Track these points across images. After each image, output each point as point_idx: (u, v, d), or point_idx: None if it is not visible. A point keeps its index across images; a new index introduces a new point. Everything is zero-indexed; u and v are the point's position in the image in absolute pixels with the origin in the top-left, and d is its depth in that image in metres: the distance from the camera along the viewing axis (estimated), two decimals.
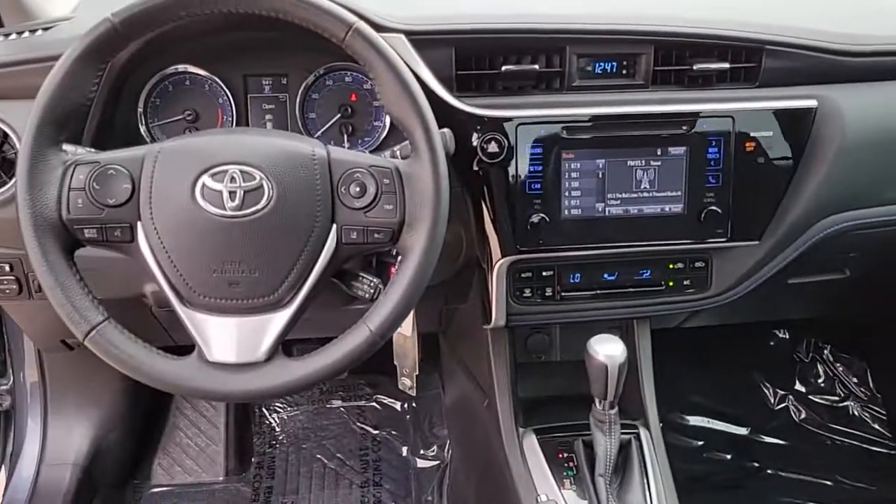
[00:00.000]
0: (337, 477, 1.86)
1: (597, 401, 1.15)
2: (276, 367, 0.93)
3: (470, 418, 1.56)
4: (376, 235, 0.94)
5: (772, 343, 2.07)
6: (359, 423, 1.99)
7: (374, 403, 2.03)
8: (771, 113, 1.14)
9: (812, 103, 1.14)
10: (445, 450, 1.87)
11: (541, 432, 1.27)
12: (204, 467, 1.87)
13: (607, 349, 1.10)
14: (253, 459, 1.92)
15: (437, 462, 1.87)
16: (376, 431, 1.97)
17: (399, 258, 0.98)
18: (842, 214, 1.21)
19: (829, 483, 1.81)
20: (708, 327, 1.99)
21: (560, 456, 1.23)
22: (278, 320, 0.93)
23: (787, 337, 2.06)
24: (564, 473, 1.21)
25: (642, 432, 1.27)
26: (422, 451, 1.91)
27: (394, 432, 1.96)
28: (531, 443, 1.25)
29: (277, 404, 2.02)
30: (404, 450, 1.93)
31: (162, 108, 1.17)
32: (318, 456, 1.91)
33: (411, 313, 1.20)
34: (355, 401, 2.03)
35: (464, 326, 1.50)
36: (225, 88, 1.17)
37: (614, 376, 1.10)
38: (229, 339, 0.92)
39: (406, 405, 2.02)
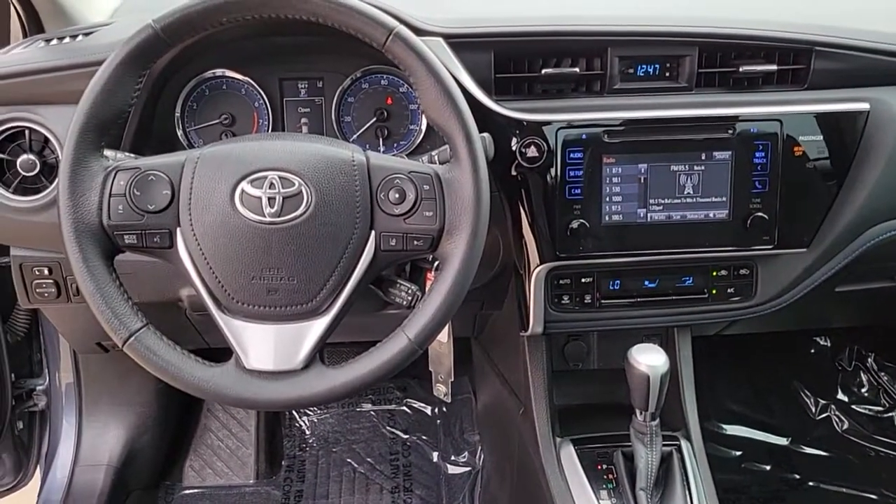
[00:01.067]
0: (367, 482, 1.85)
1: (637, 412, 1.12)
2: (313, 375, 0.92)
3: (504, 425, 1.53)
4: (416, 242, 0.92)
5: (813, 351, 2.02)
6: (389, 427, 1.98)
7: (404, 407, 2.01)
8: (821, 116, 1.10)
9: (864, 106, 1.11)
10: (477, 456, 1.85)
11: (578, 442, 1.24)
12: (234, 470, 1.87)
13: (649, 359, 1.08)
14: (283, 462, 1.92)
15: (469, 468, 1.85)
16: (406, 436, 1.96)
17: (437, 265, 0.96)
18: (893, 221, 1.17)
19: (873, 496, 1.76)
20: (746, 334, 1.95)
21: (599, 468, 1.20)
22: (316, 328, 0.92)
23: (829, 345, 2.01)
24: (604, 486, 1.18)
25: (683, 444, 1.24)
26: (453, 457, 1.89)
27: (424, 437, 1.95)
28: (569, 453, 1.23)
29: (308, 408, 2.02)
30: (435, 455, 1.91)
31: (199, 112, 1.17)
32: (349, 460, 1.90)
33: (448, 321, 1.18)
34: (385, 404, 2.02)
35: (498, 332, 1.48)
36: (261, 92, 1.17)
37: (656, 387, 1.08)
38: (267, 346, 0.91)
39: (437, 409, 2.00)
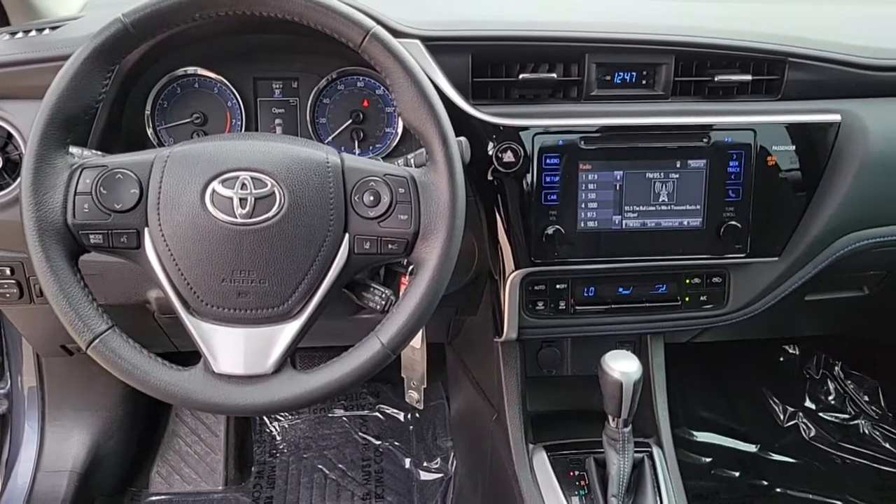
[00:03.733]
0: (338, 488, 1.83)
1: (610, 418, 1.12)
2: (284, 380, 0.90)
3: (477, 431, 1.53)
4: (390, 246, 0.91)
5: (781, 359, 2.04)
6: (361, 433, 1.96)
7: (376, 413, 1.99)
8: (793, 127, 1.11)
9: (835, 118, 1.12)
10: (450, 462, 1.84)
11: (551, 449, 1.24)
12: (203, 476, 1.83)
13: (622, 366, 1.08)
14: (253, 468, 1.89)
15: (441, 475, 1.84)
16: (379, 442, 1.94)
17: (412, 269, 0.95)
18: (864, 231, 1.18)
19: (838, 502, 1.78)
20: (717, 342, 1.97)
21: (571, 475, 1.20)
22: (287, 332, 0.90)
23: (797, 353, 2.04)
24: (576, 493, 1.18)
25: (655, 451, 1.24)
26: (425, 464, 1.88)
27: (396, 443, 1.93)
28: (541, 460, 1.22)
29: (278, 413, 1.99)
30: (407, 461, 1.89)
31: (170, 110, 1.15)
32: (320, 466, 1.88)
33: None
34: (358, 410, 2.00)
35: (473, 338, 1.47)
36: (234, 91, 1.15)
37: (629, 394, 1.08)
38: (237, 350, 0.90)
39: (409, 416, 1.99)
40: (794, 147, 1.12)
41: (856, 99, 1.15)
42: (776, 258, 1.17)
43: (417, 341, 1.19)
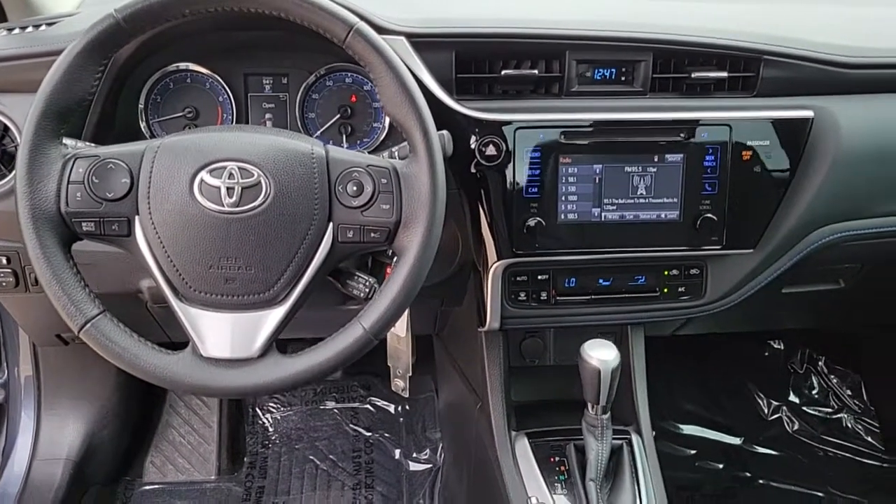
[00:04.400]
0: (329, 478, 1.86)
1: (589, 405, 1.16)
2: (269, 363, 0.93)
3: (463, 421, 1.56)
4: (373, 235, 0.94)
5: (766, 354, 2.07)
6: (352, 425, 1.99)
7: (367, 405, 2.03)
8: (768, 122, 1.14)
9: (808, 114, 1.15)
10: (438, 453, 1.87)
11: (533, 436, 1.27)
12: (196, 466, 1.86)
13: (601, 354, 1.11)
14: (245, 459, 1.92)
15: (430, 465, 1.87)
16: (369, 433, 1.97)
17: (395, 258, 0.98)
18: (837, 225, 1.22)
19: (820, 494, 1.81)
20: (703, 336, 2.00)
21: (552, 460, 1.23)
22: (273, 317, 0.93)
23: (782, 348, 2.07)
24: (556, 478, 1.21)
25: (634, 438, 1.27)
26: (414, 454, 1.91)
27: (387, 434, 1.96)
28: (523, 446, 1.25)
29: (271, 404, 2.02)
30: (397, 452, 1.93)
31: (163, 105, 1.18)
32: (311, 457, 1.91)
33: (406, 314, 1.20)
34: (349, 402, 2.03)
35: (458, 329, 1.50)
36: (225, 87, 1.18)
37: (607, 381, 1.11)
38: (224, 334, 0.93)
39: (399, 408, 2.02)
40: (768, 142, 1.15)
41: (829, 96, 1.18)
42: (751, 250, 1.20)
43: (402, 330, 1.22)
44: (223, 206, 0.90)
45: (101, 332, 0.91)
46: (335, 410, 2.02)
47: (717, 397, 2.01)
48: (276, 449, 1.94)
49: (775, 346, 2.07)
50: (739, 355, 2.07)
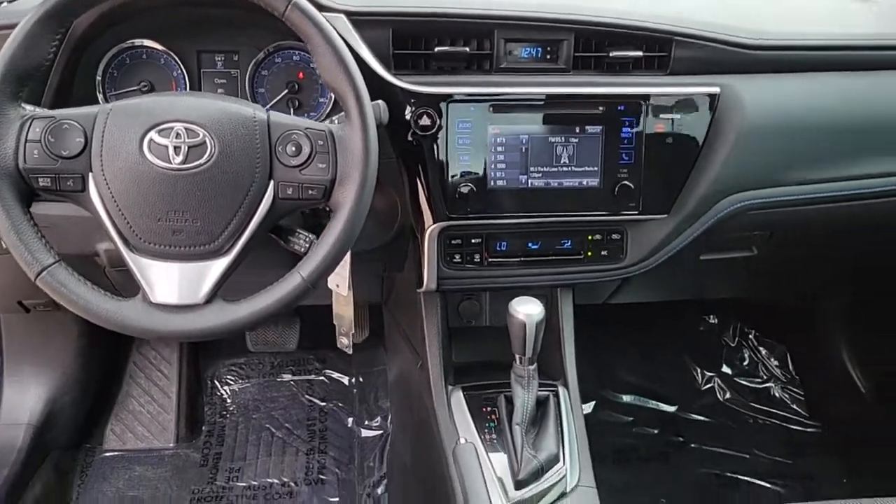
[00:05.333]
0: (284, 445, 1.94)
1: (517, 358, 1.25)
2: (215, 309, 1.01)
3: (408, 385, 1.65)
4: (310, 192, 1.03)
5: (701, 328, 2.19)
6: (307, 396, 2.07)
7: (322, 378, 2.11)
8: (679, 98, 1.25)
9: (715, 90, 1.26)
10: (388, 420, 1.96)
11: (467, 389, 1.36)
12: (155, 434, 1.93)
13: (527, 309, 1.20)
14: (203, 428, 1.99)
15: (381, 432, 1.96)
16: (324, 403, 2.06)
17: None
18: (743, 193, 1.32)
19: (747, 456, 1.93)
20: (643, 312, 2.12)
21: (484, 410, 1.33)
22: (217, 266, 1.01)
23: (716, 322, 2.19)
24: (486, 425, 1.31)
25: (561, 391, 1.37)
26: (366, 422, 2.00)
27: (340, 404, 2.05)
28: (458, 398, 1.35)
29: (229, 377, 2.10)
30: (350, 420, 2.01)
31: (119, 78, 1.25)
32: (267, 425, 1.99)
33: (347, 273, 1.29)
34: (305, 375, 2.11)
35: (402, 296, 1.59)
36: (179, 63, 1.26)
37: (532, 333, 1.20)
38: (172, 282, 1.00)
39: (353, 379, 2.11)
40: (679, 116, 1.26)
41: (735, 75, 1.29)
42: (666, 215, 1.31)
43: (344, 289, 1.30)
44: (171, 163, 0.98)
45: (56, 279, 0.98)
46: (291, 382, 2.10)
47: (655, 369, 2.13)
48: (234, 418, 2.02)
49: (710, 320, 2.19)
50: (677, 330, 2.19)
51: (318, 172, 1.02)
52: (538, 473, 1.22)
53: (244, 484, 1.84)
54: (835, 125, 1.34)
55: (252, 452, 1.92)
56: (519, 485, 1.21)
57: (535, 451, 1.23)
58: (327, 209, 1.11)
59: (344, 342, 1.39)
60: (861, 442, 1.91)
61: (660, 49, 1.27)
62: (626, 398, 2.07)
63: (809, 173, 1.34)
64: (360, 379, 2.09)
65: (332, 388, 2.09)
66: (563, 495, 1.23)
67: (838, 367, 1.99)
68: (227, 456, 1.91)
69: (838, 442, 1.94)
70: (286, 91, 1.28)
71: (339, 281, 1.31)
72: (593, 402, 2.01)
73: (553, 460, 1.24)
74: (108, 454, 1.89)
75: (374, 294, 1.66)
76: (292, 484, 1.84)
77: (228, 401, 2.06)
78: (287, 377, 2.11)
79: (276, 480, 1.85)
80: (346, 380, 2.11)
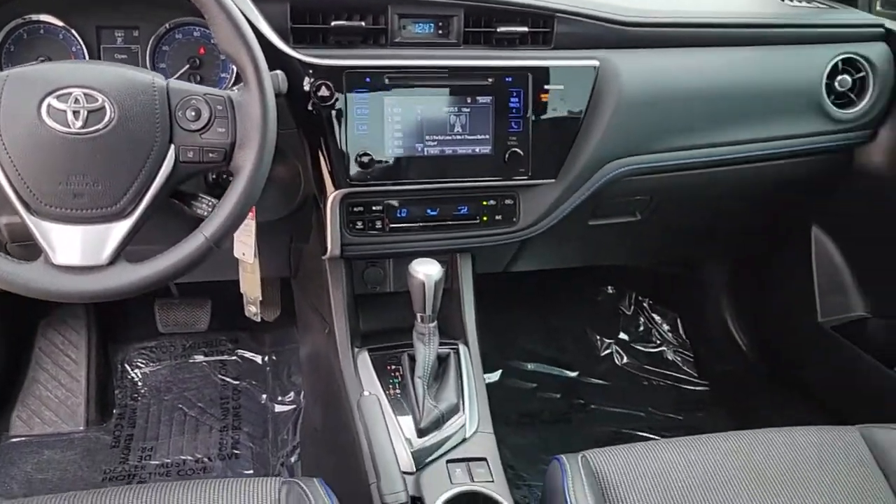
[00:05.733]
0: (197, 423, 1.96)
1: (418, 317, 1.32)
2: (118, 270, 1.04)
3: (318, 356, 1.70)
4: (211, 155, 1.07)
5: (599, 298, 2.33)
6: (220, 376, 2.09)
7: (235, 357, 2.13)
8: (560, 70, 1.35)
9: (594, 63, 1.37)
10: (301, 395, 2.00)
11: (373, 350, 1.43)
12: (64, 418, 1.91)
13: (426, 269, 1.27)
14: (114, 411, 1.99)
15: (294, 406, 2.00)
16: (237, 382, 2.08)
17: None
18: (622, 160, 1.43)
19: (642, 414, 2.06)
20: (545, 286, 2.23)
21: (389, 368, 1.40)
22: (119, 229, 1.03)
23: (613, 293, 2.33)
24: (391, 381, 1.38)
25: (461, 348, 1.45)
26: (279, 398, 2.04)
27: (254, 382, 2.08)
28: (364, 358, 1.41)
29: (139, 360, 2.09)
30: (263, 397, 2.05)
31: (16, 53, 1.26)
32: (180, 406, 2.00)
33: (253, 242, 1.33)
34: (217, 355, 2.13)
35: (310, 268, 1.64)
36: (78, 38, 1.27)
37: (431, 291, 1.28)
38: (74, 244, 1.02)
39: (266, 358, 2.14)
40: (562, 87, 1.36)
41: (614, 49, 1.40)
42: (553, 180, 1.40)
43: (250, 256, 1.35)
44: (71, 128, 0.99)
45: None
46: (204, 363, 2.11)
47: (558, 338, 2.25)
48: (146, 401, 2.02)
49: (608, 291, 2.33)
50: (577, 302, 2.31)
51: (217, 136, 1.06)
52: (439, 422, 1.30)
53: (157, 462, 1.85)
54: (705, 96, 1.47)
55: (165, 432, 1.93)
56: (421, 433, 1.28)
57: (436, 403, 1.31)
58: (228, 174, 1.16)
59: (252, 310, 1.43)
60: (745, 396, 2.07)
61: (543, 25, 1.37)
62: (530, 366, 2.17)
63: (683, 141, 1.47)
64: (273, 357, 2.12)
65: (245, 368, 2.11)
66: (463, 441, 1.31)
67: (723, 329, 2.15)
68: (139, 436, 1.91)
69: (724, 397, 2.10)
70: (187, 66, 1.31)
71: (245, 249, 1.35)
72: (499, 371, 2.11)
73: (453, 410, 1.32)
74: (14, 440, 1.86)
75: (283, 268, 1.69)
76: (206, 459, 1.86)
77: (140, 383, 2.05)
78: (199, 358, 2.12)
79: (189, 457, 1.87)
80: (258, 359, 2.14)
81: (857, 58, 1.52)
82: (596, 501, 1.07)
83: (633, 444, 1.19)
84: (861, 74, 1.53)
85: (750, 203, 1.72)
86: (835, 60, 1.51)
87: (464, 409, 1.34)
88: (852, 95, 1.54)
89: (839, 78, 1.52)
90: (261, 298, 1.41)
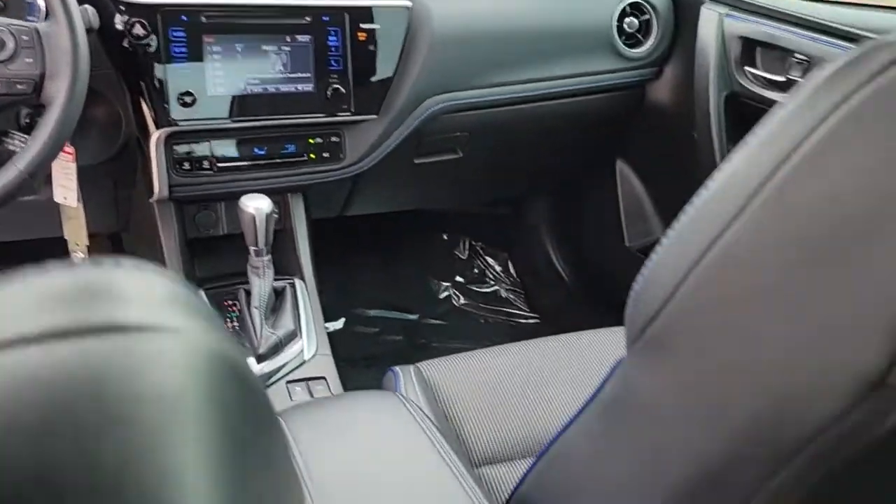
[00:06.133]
0: None
1: (252, 251, 1.36)
2: None
3: None
4: (19, 86, 1.06)
5: (437, 245, 2.44)
6: None
7: None
8: (376, 10, 1.42)
9: (407, 3, 1.45)
10: None
11: (209, 289, 1.45)
12: None
13: (256, 203, 1.32)
14: None
15: None
16: None
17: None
18: (440, 96, 1.53)
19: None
20: (384, 236, 2.32)
21: (226, 303, 1.43)
22: None
23: (448, 239, 2.45)
24: (228, 315, 1.41)
25: (297, 282, 1.51)
26: None
27: None
28: (199, 296, 1.43)
29: None
30: None
31: None
32: None
33: (75, 185, 1.31)
34: None
35: (139, 217, 1.62)
36: None
37: (262, 225, 1.32)
38: None
39: None
40: (379, 26, 1.43)
41: None
42: (376, 116, 1.48)
43: (73, 201, 1.33)
44: None
45: None
46: None
47: (398, 284, 2.34)
48: None
49: (443, 237, 2.45)
50: (415, 249, 2.42)
51: (25, 67, 1.06)
52: (277, 348, 1.35)
53: None
54: (509, 37, 1.59)
55: None
56: (260, 359, 1.33)
57: (274, 330, 1.36)
58: (40, 105, 1.14)
59: (79, 256, 1.41)
60: (570, 322, 2.26)
61: None
62: (373, 312, 2.25)
63: (492, 78, 1.59)
64: None
65: None
66: (302, 364, 1.37)
67: (547, 263, 2.33)
68: None
69: (553, 328, 2.27)
70: None
71: (67, 194, 1.33)
72: (343, 319, 2.17)
73: (291, 336, 1.38)
74: None
75: (110, 220, 1.66)
76: None
77: None
78: None
79: None
80: None
81: (642, 2, 1.71)
82: (427, 401, 1.17)
83: (461, 354, 1.30)
84: (646, 17, 1.72)
85: (560, 139, 1.89)
86: (622, 5, 1.69)
87: (301, 335, 1.40)
88: (640, 36, 1.72)
89: (627, 20, 1.69)
90: (87, 244, 1.39)
